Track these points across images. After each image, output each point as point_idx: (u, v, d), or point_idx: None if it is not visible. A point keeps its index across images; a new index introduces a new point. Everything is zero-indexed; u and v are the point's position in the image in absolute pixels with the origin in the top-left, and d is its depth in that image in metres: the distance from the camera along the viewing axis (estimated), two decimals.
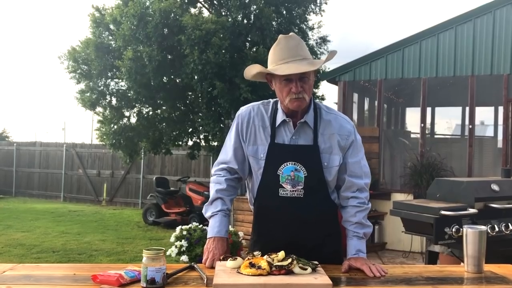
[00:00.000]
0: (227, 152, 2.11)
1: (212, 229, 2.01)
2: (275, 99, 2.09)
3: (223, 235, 2.00)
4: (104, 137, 9.54)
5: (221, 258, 1.87)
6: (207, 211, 2.07)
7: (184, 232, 5.66)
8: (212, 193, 2.09)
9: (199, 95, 8.88)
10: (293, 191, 1.96)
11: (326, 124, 2.03)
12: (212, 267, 1.86)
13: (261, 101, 2.12)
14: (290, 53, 1.94)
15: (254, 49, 8.72)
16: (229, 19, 8.65)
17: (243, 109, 2.11)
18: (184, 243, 5.50)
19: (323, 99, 10.12)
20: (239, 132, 2.07)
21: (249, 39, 8.89)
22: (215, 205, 2.06)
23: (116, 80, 9.58)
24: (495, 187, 3.78)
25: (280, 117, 2.02)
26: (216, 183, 2.09)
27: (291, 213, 1.98)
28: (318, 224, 2.01)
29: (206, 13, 9.45)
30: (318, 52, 9.77)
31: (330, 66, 9.03)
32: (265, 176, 2.00)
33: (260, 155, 2.01)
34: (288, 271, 1.66)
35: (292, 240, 1.96)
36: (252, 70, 2.03)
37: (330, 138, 2.01)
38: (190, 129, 9.75)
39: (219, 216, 2.03)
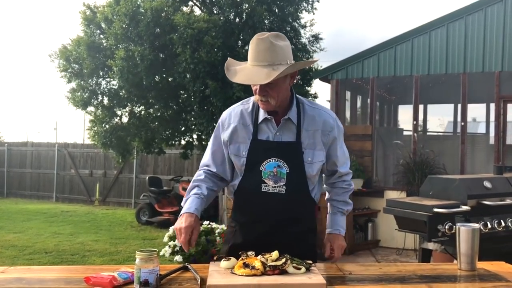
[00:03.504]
0: (206, 156, 2.18)
1: (183, 209, 2.03)
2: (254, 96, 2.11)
3: (192, 211, 2.00)
4: (96, 136, 9.48)
5: (215, 258, 1.87)
6: (183, 202, 2.10)
7: None
8: (189, 186, 2.14)
9: (192, 94, 8.85)
10: (275, 187, 1.99)
11: (310, 120, 2.06)
12: (187, 243, 1.92)
13: (241, 102, 2.16)
14: (257, 56, 1.93)
15: (247, 48, 8.70)
16: (221, 18, 8.62)
17: (224, 113, 2.17)
18: (177, 243, 5.48)
19: (315, 97, 10.11)
20: (219, 135, 2.12)
21: (242, 37, 8.87)
22: (190, 192, 2.10)
23: (108, 79, 9.52)
24: (487, 184, 3.80)
25: (262, 114, 2.04)
26: (195, 177, 2.16)
27: (272, 208, 2.01)
28: (297, 220, 2.07)
29: (198, 11, 9.42)
30: (311, 50, 9.77)
31: (323, 64, 9.05)
32: (248, 172, 2.03)
33: (241, 153, 2.04)
34: (282, 271, 1.66)
35: (271, 234, 2.01)
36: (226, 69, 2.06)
37: (314, 134, 2.05)
38: (183, 128, 9.71)
39: (191, 197, 2.06)
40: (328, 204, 2.29)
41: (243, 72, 1.96)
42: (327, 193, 2.30)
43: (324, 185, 2.27)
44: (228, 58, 2.11)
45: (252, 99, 2.11)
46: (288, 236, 2.02)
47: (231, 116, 2.10)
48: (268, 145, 2.01)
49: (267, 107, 1.99)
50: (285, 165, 1.99)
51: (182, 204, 2.11)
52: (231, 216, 2.20)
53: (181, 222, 1.95)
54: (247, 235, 2.06)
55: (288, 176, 1.99)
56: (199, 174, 2.15)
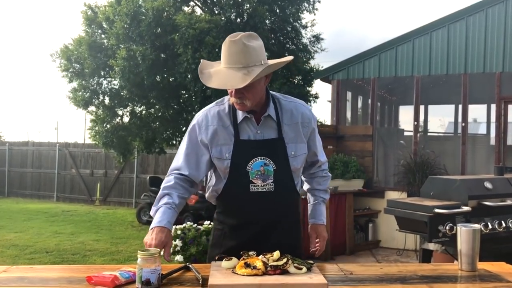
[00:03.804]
0: (178, 159, 2.07)
1: (154, 221, 1.91)
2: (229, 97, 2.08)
3: (163, 225, 1.88)
4: (97, 136, 9.49)
5: (216, 258, 1.87)
6: (152, 211, 1.97)
7: (179, 232, 5.65)
8: (159, 193, 2.01)
9: (193, 94, 8.85)
10: (264, 185, 1.98)
11: (288, 114, 2.06)
12: None
13: (215, 103, 2.10)
14: (231, 59, 1.90)
15: None
16: (223, 18, 8.63)
17: (198, 115, 2.09)
18: (178, 242, 5.49)
19: (316, 97, 10.10)
20: (195, 138, 2.04)
21: None
22: (160, 201, 1.97)
23: (109, 79, 9.53)
24: (488, 185, 3.80)
25: (241, 114, 2.01)
26: (164, 183, 2.04)
27: (263, 207, 2.00)
28: (286, 213, 2.08)
29: (199, 11, 9.43)
30: (312, 51, 9.77)
31: (324, 64, 9.05)
32: (233, 174, 2.00)
33: (224, 155, 1.99)
34: (283, 271, 1.66)
35: (264, 232, 2.02)
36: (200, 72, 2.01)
37: (295, 127, 2.06)
38: (184, 128, 9.71)
39: (162, 208, 1.94)
40: (309, 194, 2.30)
41: (217, 76, 1.92)
42: (305, 184, 2.31)
43: (303, 177, 2.28)
44: (202, 60, 2.06)
45: (226, 99, 2.08)
46: (278, 231, 2.04)
47: (208, 118, 2.04)
48: (252, 144, 2.00)
49: (243, 109, 1.98)
50: (271, 162, 1.99)
51: (151, 213, 1.97)
52: (218, 219, 2.14)
53: (152, 239, 1.84)
54: (240, 236, 2.03)
55: (275, 172, 1.99)
56: (169, 180, 2.03)
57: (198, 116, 2.08)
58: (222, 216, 2.12)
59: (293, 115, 2.07)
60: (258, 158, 1.98)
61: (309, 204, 2.30)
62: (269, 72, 1.98)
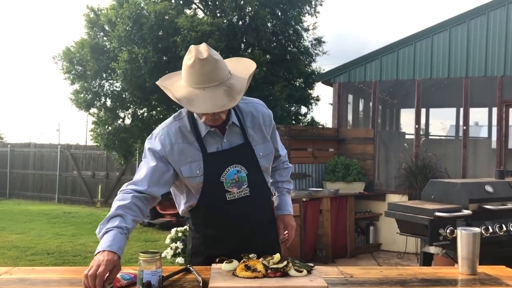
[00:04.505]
0: (140, 174, 1.93)
1: (102, 244, 1.65)
2: (186, 111, 1.98)
3: (114, 250, 1.63)
4: (99, 138, 9.52)
5: (217, 260, 1.87)
6: (100, 230, 1.72)
7: (180, 234, 5.66)
8: (111, 210, 1.79)
9: None
10: (239, 191, 1.98)
11: (249, 116, 2.05)
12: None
13: (173, 117, 2.00)
14: (206, 78, 1.80)
15: (250, 50, 8.74)
16: (225, 21, 8.67)
17: (158, 132, 1.97)
18: (179, 244, 5.50)
19: (318, 100, 10.13)
20: (158, 153, 1.92)
21: (245, 40, 8.90)
22: (112, 221, 1.74)
23: (111, 81, 9.56)
24: (489, 188, 3.80)
25: (203, 129, 1.94)
26: (119, 200, 1.83)
27: (241, 212, 1.99)
28: (265, 212, 2.11)
29: (201, 14, 9.46)
30: (313, 54, 9.79)
31: (325, 67, 9.06)
32: (208, 187, 1.95)
33: (195, 172, 1.92)
34: (284, 274, 1.67)
35: (247, 237, 2.01)
36: (164, 88, 1.89)
37: (258, 128, 2.06)
38: None
39: (114, 231, 1.69)
40: (273, 188, 2.29)
41: (198, 99, 1.80)
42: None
43: None
44: (157, 83, 1.93)
45: (184, 112, 1.99)
46: (258, 232, 2.05)
47: (170, 135, 1.94)
48: (222, 155, 1.96)
49: (218, 122, 1.92)
50: (243, 169, 1.97)
51: (97, 232, 1.73)
52: (194, 229, 2.09)
53: (102, 260, 1.58)
54: (220, 244, 2.01)
55: (248, 177, 1.99)
56: (125, 198, 1.83)
57: (159, 134, 1.96)
58: (201, 228, 2.07)
59: (254, 116, 2.05)
60: (231, 167, 1.95)
61: (274, 197, 2.29)
62: (248, 84, 1.90)
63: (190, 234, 2.16)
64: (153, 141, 1.96)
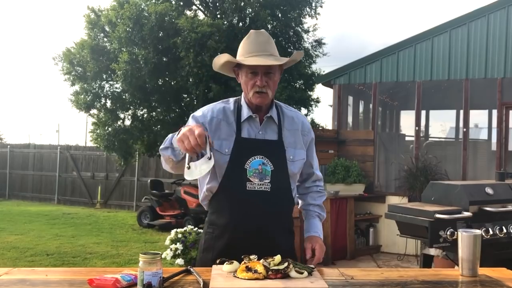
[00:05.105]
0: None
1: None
2: (235, 98, 2.14)
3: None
4: (99, 139, 9.51)
5: (217, 261, 1.87)
6: (170, 139, 1.93)
7: (179, 235, 5.65)
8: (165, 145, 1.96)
9: (195, 97, 8.88)
10: (260, 184, 1.98)
11: (290, 120, 2.12)
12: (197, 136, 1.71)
13: (220, 101, 2.15)
14: (259, 47, 1.99)
15: None
16: (225, 22, 8.67)
17: (203, 108, 2.11)
18: (179, 246, 5.49)
19: (318, 101, 10.12)
20: (201, 123, 1.99)
21: None
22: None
23: (111, 82, 9.56)
24: (489, 190, 3.80)
25: (246, 113, 2.05)
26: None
27: (257, 207, 1.99)
28: (280, 218, 2.07)
29: (201, 16, 9.46)
30: (313, 55, 9.79)
31: (325, 69, 9.06)
32: (231, 170, 1.99)
33: (224, 150, 1.99)
34: (285, 275, 1.66)
35: (255, 234, 1.98)
36: (221, 59, 2.06)
37: (295, 133, 2.10)
38: None
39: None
40: (303, 211, 2.26)
41: (249, 60, 1.97)
42: (300, 202, 2.27)
43: (297, 194, 2.25)
44: (225, 54, 2.07)
45: (232, 100, 2.12)
46: (269, 235, 2.01)
47: (213, 110, 2.07)
48: (253, 143, 2.01)
49: (265, 100, 2.01)
50: (269, 163, 2.00)
51: (170, 141, 1.93)
52: (209, 221, 2.10)
53: (192, 127, 1.77)
54: (231, 238, 2.00)
55: (273, 173, 1.99)
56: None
57: (203, 108, 2.11)
58: (214, 217, 2.08)
59: (294, 121, 2.12)
60: (257, 157, 1.99)
61: (304, 220, 2.24)
62: (292, 62, 2.07)
63: (203, 231, 2.17)
64: (197, 112, 2.11)
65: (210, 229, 2.09)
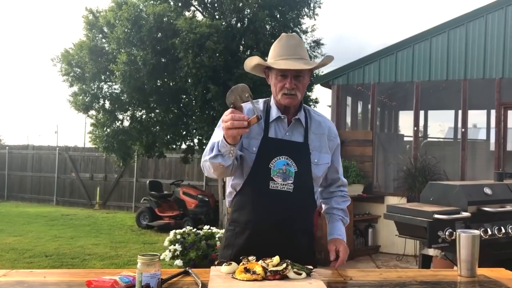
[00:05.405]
0: (217, 138, 1.98)
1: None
2: (264, 99, 2.18)
3: None
4: (97, 140, 9.50)
5: (216, 263, 1.87)
6: (212, 146, 1.92)
7: (178, 236, 5.64)
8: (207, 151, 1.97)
9: (193, 98, 8.87)
10: (283, 184, 2.01)
11: (317, 124, 2.15)
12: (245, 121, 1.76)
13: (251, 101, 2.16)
14: (289, 51, 2.03)
15: (248, 53, 8.73)
16: (223, 23, 8.66)
17: None
18: (178, 247, 5.48)
19: (316, 102, 10.12)
20: None
21: (243, 42, 8.89)
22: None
23: (110, 83, 9.55)
24: (488, 190, 3.80)
25: (274, 113, 2.09)
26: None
27: (279, 207, 2.01)
28: (300, 219, 2.08)
29: (200, 16, 9.45)
30: (312, 56, 9.78)
31: (324, 69, 9.06)
32: (256, 169, 2.02)
33: (252, 148, 2.04)
34: (283, 276, 1.66)
35: (274, 233, 2.00)
36: (252, 61, 2.10)
37: (321, 137, 2.13)
38: (184, 133, 9.73)
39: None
40: (327, 215, 2.28)
41: (279, 63, 2.00)
42: (323, 206, 2.30)
43: (321, 198, 2.28)
44: (256, 56, 2.12)
45: (261, 100, 2.16)
46: (289, 235, 2.03)
47: (244, 110, 2.05)
48: (279, 144, 2.05)
49: (293, 101, 2.05)
50: (293, 164, 2.02)
51: (210, 155, 1.92)
52: (231, 219, 2.15)
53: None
54: (251, 236, 2.03)
55: (296, 174, 2.02)
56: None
57: None
58: (236, 215, 2.11)
59: (321, 126, 2.15)
60: (282, 157, 2.02)
61: (328, 223, 2.25)
62: (323, 65, 2.16)
63: (225, 229, 2.21)
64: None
65: (231, 227, 2.12)
